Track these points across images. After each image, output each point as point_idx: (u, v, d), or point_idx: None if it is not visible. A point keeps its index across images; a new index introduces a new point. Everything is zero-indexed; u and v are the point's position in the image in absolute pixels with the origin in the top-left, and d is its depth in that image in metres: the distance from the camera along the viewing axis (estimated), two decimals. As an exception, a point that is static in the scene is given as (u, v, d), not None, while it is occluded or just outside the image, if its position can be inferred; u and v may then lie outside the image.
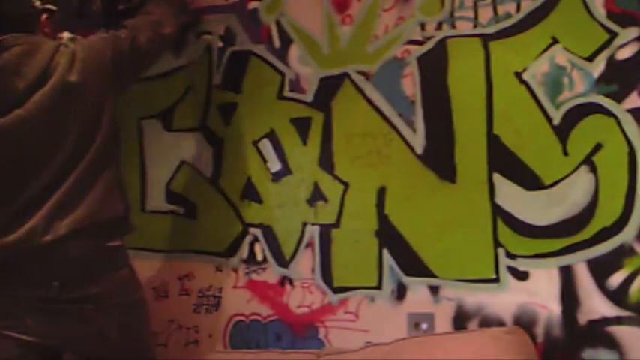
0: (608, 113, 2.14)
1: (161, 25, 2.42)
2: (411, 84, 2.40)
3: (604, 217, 2.13)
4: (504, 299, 2.25)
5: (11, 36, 2.19)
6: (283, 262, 2.59)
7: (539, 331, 2.20)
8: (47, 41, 2.25)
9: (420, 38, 2.40)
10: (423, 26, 2.40)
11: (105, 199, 2.19)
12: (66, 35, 2.40)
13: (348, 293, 2.48)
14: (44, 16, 2.29)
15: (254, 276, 2.64)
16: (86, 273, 2.15)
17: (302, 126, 2.56)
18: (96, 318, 2.14)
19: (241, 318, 2.65)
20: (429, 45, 2.38)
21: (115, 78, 2.28)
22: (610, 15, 2.14)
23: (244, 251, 2.65)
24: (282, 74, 2.60)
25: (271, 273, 2.61)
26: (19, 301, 2.12)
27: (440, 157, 2.35)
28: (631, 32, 2.12)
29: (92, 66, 2.23)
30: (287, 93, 2.59)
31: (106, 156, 2.23)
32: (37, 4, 2.29)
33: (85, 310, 2.14)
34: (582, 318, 2.15)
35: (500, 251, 2.26)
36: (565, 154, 2.19)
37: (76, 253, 2.13)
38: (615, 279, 2.11)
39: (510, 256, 2.25)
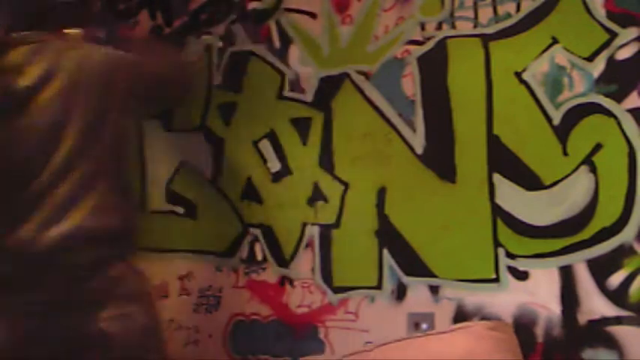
0: (608, 113, 2.14)
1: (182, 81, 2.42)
2: (411, 84, 2.40)
3: (604, 217, 2.13)
4: (504, 299, 2.25)
5: (23, 35, 2.15)
6: (283, 262, 2.59)
7: (539, 331, 2.20)
8: (59, 41, 2.19)
9: (420, 38, 2.40)
10: (423, 26, 2.40)
11: (98, 210, 2.10)
12: (73, 32, 2.36)
13: (348, 293, 2.48)
14: (62, 10, 2.24)
15: (254, 276, 2.64)
16: (78, 273, 2.07)
17: (302, 126, 2.56)
18: (92, 314, 2.06)
19: (241, 318, 2.65)
20: (429, 45, 2.38)
21: (127, 97, 2.20)
22: (610, 15, 2.14)
23: (244, 251, 2.65)
24: (282, 74, 2.61)
25: (271, 273, 2.61)
26: (11, 306, 2.08)
27: (440, 157, 2.35)
28: (631, 32, 2.12)
29: (100, 74, 2.16)
30: (287, 93, 2.60)
31: (104, 168, 2.15)
32: None
33: (79, 307, 2.07)
34: (582, 318, 2.15)
35: (500, 251, 2.26)
36: (565, 154, 2.19)
37: (67, 264, 2.06)
38: (615, 279, 2.11)
39: (510, 256, 2.25)
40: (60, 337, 2.07)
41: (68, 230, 2.06)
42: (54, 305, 2.07)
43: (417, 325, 2.35)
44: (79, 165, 2.11)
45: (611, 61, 2.14)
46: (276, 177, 2.61)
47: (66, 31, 2.32)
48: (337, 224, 2.50)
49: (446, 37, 2.36)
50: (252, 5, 2.67)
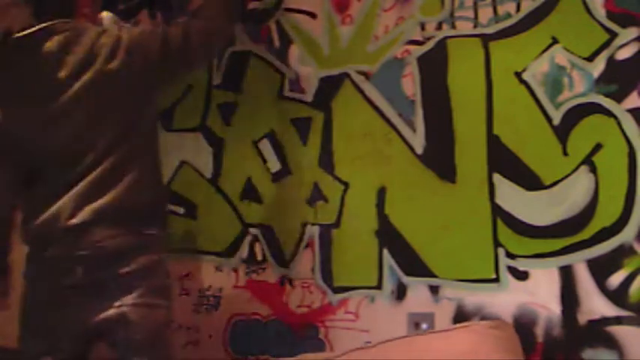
0: (608, 113, 2.14)
1: (213, 35, 2.35)
2: (411, 84, 2.40)
3: (604, 217, 2.13)
4: (504, 299, 2.25)
5: (54, 23, 2.18)
6: (283, 262, 2.59)
7: (539, 331, 2.20)
8: (90, 27, 2.23)
9: (420, 38, 2.40)
10: (423, 26, 2.40)
11: (134, 188, 2.16)
12: (105, 15, 2.38)
13: (348, 293, 2.48)
14: None
15: (254, 276, 2.64)
16: (110, 256, 2.12)
17: (302, 126, 2.56)
18: (117, 298, 2.10)
19: (241, 318, 2.65)
20: (429, 45, 2.38)
21: (161, 72, 2.26)
22: (610, 15, 2.14)
23: (244, 251, 2.65)
24: (282, 74, 2.61)
25: (271, 273, 2.61)
26: (46, 288, 2.15)
27: (440, 157, 2.35)
28: (631, 32, 2.12)
29: (137, 55, 2.20)
30: (287, 93, 2.60)
31: (143, 146, 2.23)
32: None
33: (106, 290, 2.11)
34: (582, 318, 2.15)
35: (500, 251, 2.26)
36: (565, 154, 2.19)
37: (101, 238, 2.11)
38: (615, 279, 2.11)
39: (510, 256, 2.25)
40: (81, 319, 2.13)
41: (102, 205, 2.12)
42: (83, 287, 2.11)
43: (417, 325, 2.35)
44: (118, 149, 2.17)
45: (611, 61, 2.14)
46: (276, 177, 2.61)
47: (101, 14, 2.35)
48: (337, 224, 2.50)
49: (446, 37, 2.36)
50: (252, 5, 2.67)
